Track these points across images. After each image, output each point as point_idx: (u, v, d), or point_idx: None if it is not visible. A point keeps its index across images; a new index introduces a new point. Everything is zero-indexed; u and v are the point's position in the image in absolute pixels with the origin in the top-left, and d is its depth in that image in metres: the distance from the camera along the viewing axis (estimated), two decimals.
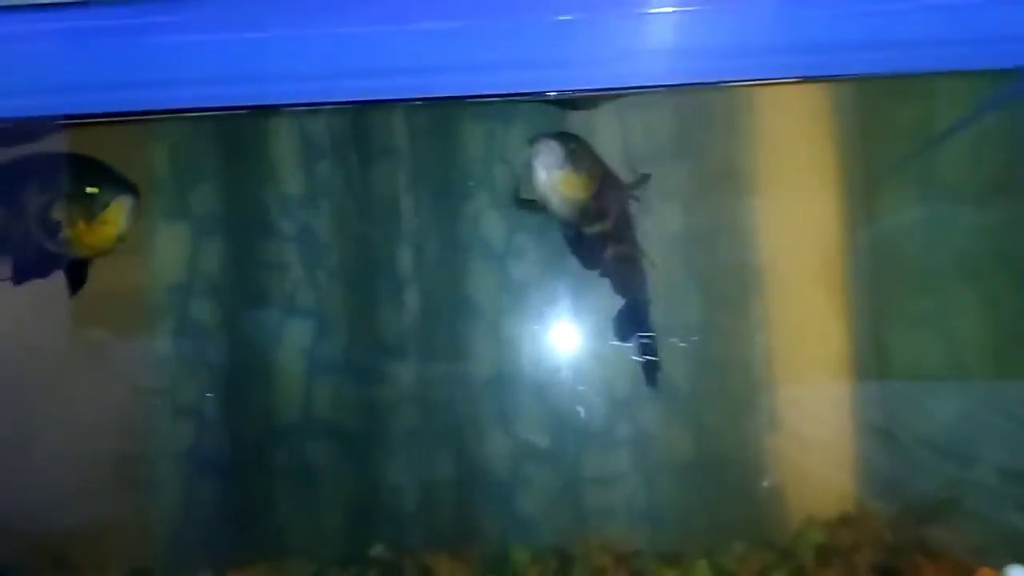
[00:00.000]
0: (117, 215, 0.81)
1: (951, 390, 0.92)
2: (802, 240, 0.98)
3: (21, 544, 0.93)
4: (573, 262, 0.91)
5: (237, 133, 1.03)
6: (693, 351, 0.97)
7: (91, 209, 0.81)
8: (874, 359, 0.96)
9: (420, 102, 0.90)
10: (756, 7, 0.69)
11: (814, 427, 0.96)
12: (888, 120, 0.94)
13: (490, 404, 1.00)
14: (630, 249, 0.90)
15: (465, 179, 1.01)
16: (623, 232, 0.90)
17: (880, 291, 0.97)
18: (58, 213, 0.82)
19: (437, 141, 1.02)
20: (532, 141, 0.84)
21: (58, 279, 0.85)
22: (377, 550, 0.94)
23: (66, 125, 0.83)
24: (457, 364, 1.01)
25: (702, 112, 0.99)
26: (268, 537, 0.98)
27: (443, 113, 1.01)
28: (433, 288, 1.02)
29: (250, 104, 0.73)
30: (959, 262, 0.93)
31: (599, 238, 0.88)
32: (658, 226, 0.95)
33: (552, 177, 0.83)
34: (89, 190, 0.81)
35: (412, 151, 1.01)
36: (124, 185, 0.82)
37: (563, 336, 0.99)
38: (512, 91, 0.77)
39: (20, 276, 0.84)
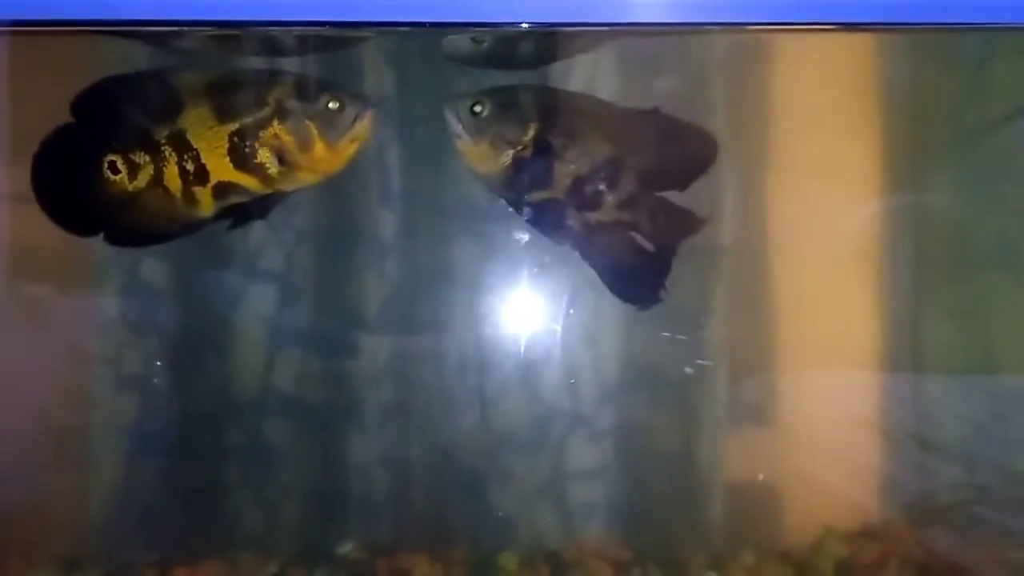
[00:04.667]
0: (366, 129, 0.72)
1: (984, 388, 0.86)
2: (830, 220, 0.90)
3: None
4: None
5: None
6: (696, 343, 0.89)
7: (335, 127, 0.71)
8: (907, 354, 0.89)
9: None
10: None
11: (831, 426, 0.88)
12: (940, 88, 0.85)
13: (470, 384, 0.91)
14: (606, 216, 0.79)
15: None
16: (589, 197, 0.79)
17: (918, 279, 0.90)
18: (271, 138, 0.71)
19: (423, 93, 0.91)
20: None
21: None
22: (346, 548, 0.85)
23: None
24: (436, 339, 0.92)
25: (703, 63, 0.89)
26: (221, 527, 0.89)
27: (428, 61, 0.90)
28: (415, 254, 0.92)
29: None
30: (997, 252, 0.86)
31: (552, 207, 0.78)
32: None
33: (458, 147, 0.76)
34: (331, 105, 0.71)
35: (398, 99, 0.91)
36: (362, 95, 0.73)
37: (554, 313, 0.90)
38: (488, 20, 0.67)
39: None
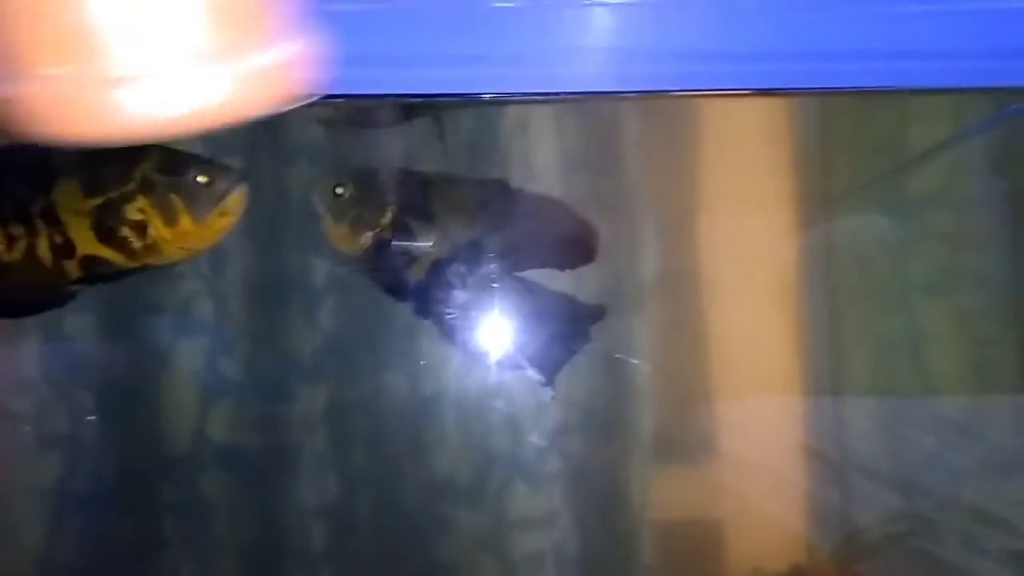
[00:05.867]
0: (238, 204, 0.69)
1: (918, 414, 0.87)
2: (754, 256, 0.91)
3: None
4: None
5: None
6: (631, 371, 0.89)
7: (204, 202, 0.68)
8: (842, 382, 0.90)
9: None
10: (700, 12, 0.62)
11: (766, 459, 0.89)
12: (853, 136, 0.87)
13: (411, 431, 0.89)
14: (468, 295, 0.80)
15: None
16: (451, 279, 0.80)
17: (840, 310, 0.91)
18: (135, 213, 0.68)
19: (356, 138, 0.91)
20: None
21: None
22: None
23: None
24: (373, 387, 0.91)
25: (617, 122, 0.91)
26: None
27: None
28: (349, 301, 0.90)
29: None
30: (926, 280, 0.87)
31: (415, 288, 0.79)
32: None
33: (323, 227, 0.77)
34: (200, 179, 0.68)
35: (330, 149, 0.90)
36: (232, 169, 0.70)
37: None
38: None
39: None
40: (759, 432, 0.90)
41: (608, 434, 0.90)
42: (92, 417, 0.88)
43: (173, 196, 0.69)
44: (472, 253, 0.78)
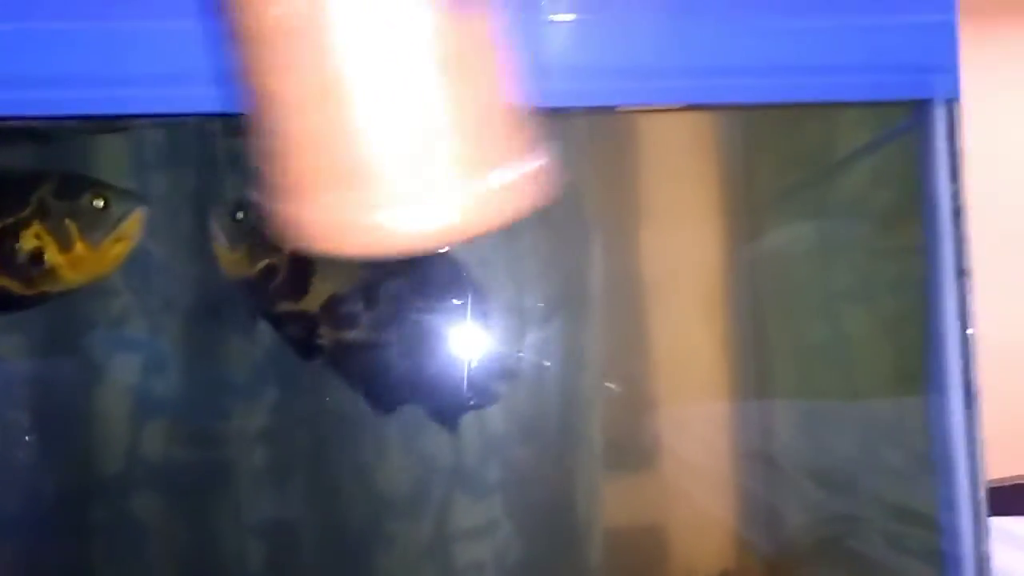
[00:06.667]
0: (135, 228, 0.68)
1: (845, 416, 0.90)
2: (686, 266, 0.93)
3: None
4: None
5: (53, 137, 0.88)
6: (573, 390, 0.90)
7: (99, 227, 0.67)
8: (762, 386, 0.92)
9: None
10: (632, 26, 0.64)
11: (697, 461, 0.91)
12: (777, 147, 0.90)
13: (352, 451, 0.89)
14: (361, 335, 0.78)
15: None
16: (344, 315, 0.78)
17: (768, 317, 0.93)
18: (30, 240, 0.66)
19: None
20: None
21: None
22: None
23: None
24: (311, 401, 0.90)
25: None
26: None
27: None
28: None
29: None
30: (851, 288, 0.90)
31: (302, 320, 0.77)
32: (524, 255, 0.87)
33: (214, 250, 0.75)
34: (95, 203, 0.67)
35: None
36: (131, 193, 0.69)
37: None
38: None
39: None
40: (694, 437, 0.92)
41: (547, 443, 0.91)
42: (27, 438, 0.86)
43: (68, 221, 0.67)
44: (371, 291, 0.77)
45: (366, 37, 0.38)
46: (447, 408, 0.83)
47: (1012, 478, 1.23)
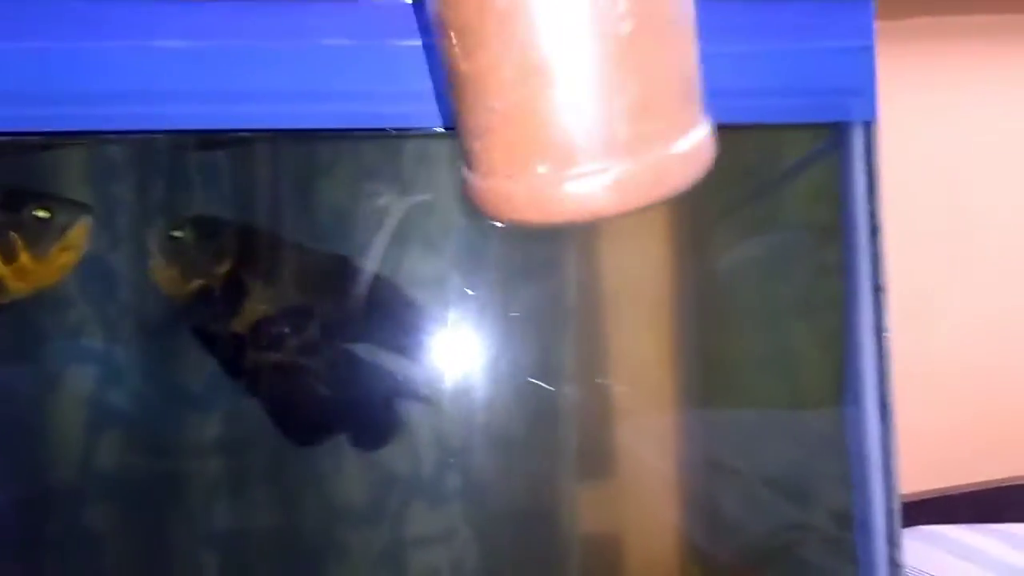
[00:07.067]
0: (81, 238, 0.68)
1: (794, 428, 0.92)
2: (637, 282, 0.95)
3: None
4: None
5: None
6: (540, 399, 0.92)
7: (43, 237, 0.67)
8: (715, 398, 0.94)
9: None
10: None
11: (653, 471, 0.92)
12: (717, 166, 0.92)
13: (306, 457, 0.90)
14: (285, 358, 0.79)
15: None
16: (270, 338, 0.78)
17: (714, 331, 0.95)
18: None
19: (253, 165, 0.92)
20: None
21: None
22: None
23: None
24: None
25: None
26: None
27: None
28: None
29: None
30: (789, 303, 0.93)
31: (231, 341, 0.79)
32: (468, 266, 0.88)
33: (149, 266, 0.76)
34: (39, 214, 0.67)
35: (231, 172, 0.90)
36: (76, 203, 0.70)
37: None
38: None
39: None
40: (650, 447, 0.93)
41: (506, 452, 0.92)
42: None
43: (12, 233, 0.69)
44: (300, 317, 0.78)
45: (568, 13, 0.41)
46: (368, 438, 0.84)
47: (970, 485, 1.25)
